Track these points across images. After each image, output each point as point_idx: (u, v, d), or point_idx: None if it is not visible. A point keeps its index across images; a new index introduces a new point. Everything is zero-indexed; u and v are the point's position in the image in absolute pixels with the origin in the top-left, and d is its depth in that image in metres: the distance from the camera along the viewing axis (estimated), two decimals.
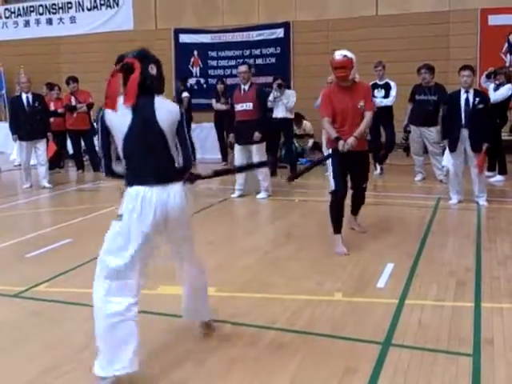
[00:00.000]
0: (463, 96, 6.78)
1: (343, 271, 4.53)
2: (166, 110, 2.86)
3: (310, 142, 11.63)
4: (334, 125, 5.06)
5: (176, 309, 3.72)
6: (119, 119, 2.79)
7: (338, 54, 5.03)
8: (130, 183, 2.82)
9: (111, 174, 2.94)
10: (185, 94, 11.10)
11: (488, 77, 8.79)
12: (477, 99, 6.74)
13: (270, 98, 9.49)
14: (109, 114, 2.80)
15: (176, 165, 2.90)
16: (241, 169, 3.99)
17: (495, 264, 4.65)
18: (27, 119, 8.81)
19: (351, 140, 4.91)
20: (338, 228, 5.09)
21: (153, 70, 2.84)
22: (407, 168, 9.28)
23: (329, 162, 5.11)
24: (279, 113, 9.48)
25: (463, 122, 6.76)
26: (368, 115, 5.07)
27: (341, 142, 4.92)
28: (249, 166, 4.06)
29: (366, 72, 11.12)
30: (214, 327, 3.41)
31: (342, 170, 5.05)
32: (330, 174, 5.10)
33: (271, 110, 9.71)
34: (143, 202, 2.75)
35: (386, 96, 8.98)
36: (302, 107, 10.56)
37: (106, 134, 2.85)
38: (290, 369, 2.96)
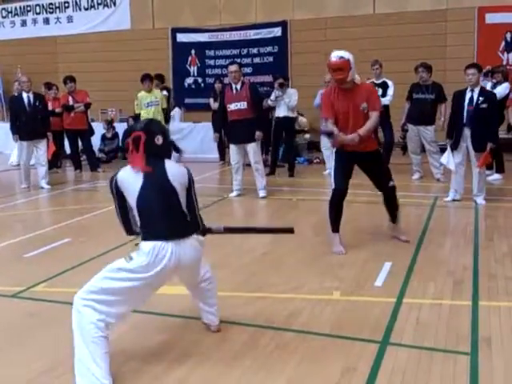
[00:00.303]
0: (468, 95, 6.74)
1: (341, 270, 4.54)
2: (176, 170, 3.00)
3: (307, 136, 11.54)
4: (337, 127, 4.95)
5: (175, 308, 3.74)
6: (131, 181, 2.92)
7: (334, 56, 4.83)
8: (145, 238, 2.90)
9: (132, 234, 3.10)
10: (163, 93, 11.01)
11: (485, 75, 8.80)
12: (480, 98, 6.68)
13: (272, 97, 9.52)
14: (121, 178, 2.95)
15: (189, 220, 3.01)
16: (257, 230, 3.92)
17: (493, 262, 4.66)
18: (28, 119, 8.74)
19: (352, 135, 4.81)
20: (335, 227, 5.08)
21: (159, 140, 2.99)
22: (405, 167, 9.29)
23: (333, 160, 5.06)
24: (281, 112, 9.50)
25: (465, 120, 6.75)
26: (374, 115, 4.90)
27: (340, 133, 4.84)
28: (265, 230, 3.94)
29: (364, 70, 11.11)
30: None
31: (344, 170, 4.98)
32: (331, 172, 5.07)
33: (273, 109, 9.73)
34: (157, 256, 2.84)
35: (384, 95, 8.97)
36: (300, 105, 10.56)
37: (122, 198, 2.97)
38: (288, 368, 2.97)
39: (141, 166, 2.91)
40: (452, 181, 7.10)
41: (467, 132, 6.74)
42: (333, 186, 5.02)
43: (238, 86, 7.57)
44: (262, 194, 7.68)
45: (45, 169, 8.93)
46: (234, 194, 7.82)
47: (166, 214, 2.91)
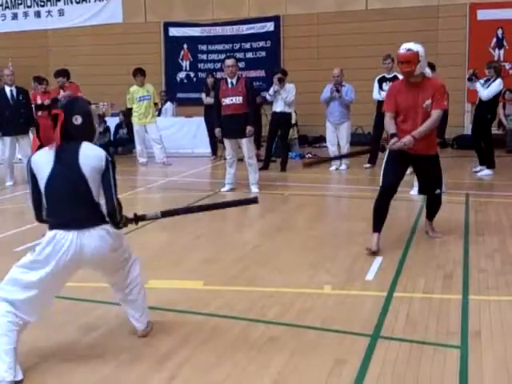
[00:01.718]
0: None
1: (332, 264, 4.56)
2: (90, 155, 2.87)
3: (294, 131, 11.35)
4: (396, 121, 4.77)
5: (166, 302, 3.74)
6: (43, 165, 2.84)
7: (402, 48, 4.65)
8: (50, 227, 2.86)
9: (41, 221, 3.00)
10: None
11: (470, 80, 8.75)
12: None
13: (270, 91, 9.52)
14: (34, 161, 2.87)
15: (102, 209, 2.89)
16: (192, 209, 3.63)
17: (483, 257, 4.69)
18: (11, 113, 8.46)
19: (406, 139, 4.59)
20: (375, 226, 4.84)
21: (77, 120, 2.90)
22: None
23: (385, 156, 4.88)
24: (278, 107, 9.49)
25: None
26: (434, 114, 4.65)
27: (393, 140, 4.67)
28: (214, 206, 3.60)
29: (356, 66, 11.19)
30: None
31: (394, 168, 4.78)
32: (382, 168, 4.92)
33: (266, 105, 9.70)
34: (55, 246, 2.80)
35: None
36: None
37: (35, 181, 2.88)
38: (279, 362, 2.98)
39: (55, 141, 2.83)
40: None
41: None
42: (380, 184, 4.87)
43: (234, 81, 7.54)
44: (254, 189, 7.67)
45: None
46: (226, 188, 7.80)
47: (71, 202, 2.82)
